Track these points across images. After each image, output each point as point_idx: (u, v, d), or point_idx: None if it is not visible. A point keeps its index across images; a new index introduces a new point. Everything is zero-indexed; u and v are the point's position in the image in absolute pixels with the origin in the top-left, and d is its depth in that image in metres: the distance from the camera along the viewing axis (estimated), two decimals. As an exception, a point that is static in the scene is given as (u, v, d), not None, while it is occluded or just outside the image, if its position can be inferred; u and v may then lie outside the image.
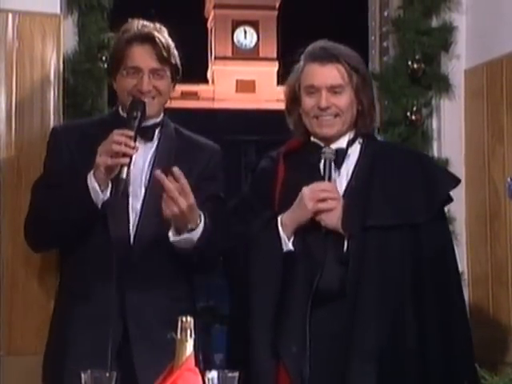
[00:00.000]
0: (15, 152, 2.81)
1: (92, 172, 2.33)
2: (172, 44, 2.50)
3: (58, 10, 2.90)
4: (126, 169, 2.31)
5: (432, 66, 3.35)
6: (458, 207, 3.33)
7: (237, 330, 2.41)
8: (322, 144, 2.42)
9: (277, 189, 2.43)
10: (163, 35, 2.48)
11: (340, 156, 2.40)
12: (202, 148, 2.58)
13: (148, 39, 2.45)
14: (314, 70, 2.41)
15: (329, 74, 2.39)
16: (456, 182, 2.53)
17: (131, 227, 2.43)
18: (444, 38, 3.35)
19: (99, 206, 2.35)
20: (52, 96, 2.87)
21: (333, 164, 2.38)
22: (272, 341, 2.28)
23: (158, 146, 2.50)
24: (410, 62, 3.32)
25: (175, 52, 2.50)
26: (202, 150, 2.57)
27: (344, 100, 2.39)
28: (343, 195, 2.37)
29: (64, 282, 2.53)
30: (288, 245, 2.34)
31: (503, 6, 3.19)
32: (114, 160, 2.30)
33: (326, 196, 2.32)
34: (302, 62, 2.45)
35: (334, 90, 2.39)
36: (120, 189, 2.31)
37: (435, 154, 3.38)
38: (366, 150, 2.44)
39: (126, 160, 2.30)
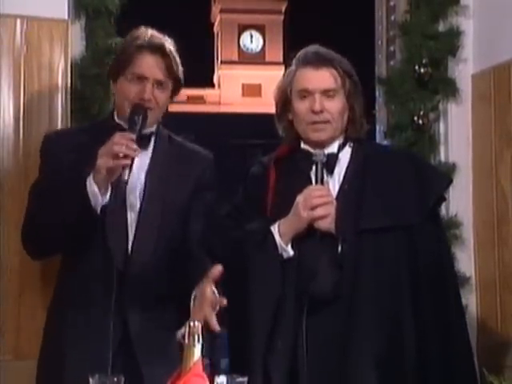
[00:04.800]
0: (23, 158, 2.82)
1: (91, 176, 2.31)
2: (178, 58, 2.50)
3: (65, 16, 2.91)
4: (127, 171, 2.30)
5: (439, 70, 3.34)
6: (465, 212, 3.33)
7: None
8: (312, 150, 2.42)
9: (269, 195, 2.43)
10: (173, 48, 2.49)
11: (331, 160, 2.40)
12: (196, 155, 2.59)
13: (159, 50, 2.44)
14: (307, 74, 2.40)
15: (323, 78, 2.39)
16: (448, 182, 2.53)
17: (130, 236, 2.42)
18: (451, 42, 3.34)
19: (98, 210, 2.33)
20: (60, 101, 2.87)
21: (324, 167, 2.38)
22: (263, 361, 2.28)
23: (152, 154, 2.50)
24: (416, 67, 3.31)
25: (180, 67, 2.51)
26: (196, 158, 2.58)
27: (336, 104, 2.39)
28: (336, 198, 2.37)
29: (60, 292, 2.50)
30: (288, 252, 2.34)
31: (510, 11, 3.19)
32: (116, 162, 2.28)
33: (320, 202, 2.32)
34: (293, 67, 2.44)
35: (327, 93, 2.39)
36: (122, 190, 2.31)
37: (442, 158, 3.37)
38: (357, 153, 2.44)
39: (128, 161, 2.29)
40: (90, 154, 2.33)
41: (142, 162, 2.46)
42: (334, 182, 2.40)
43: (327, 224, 2.32)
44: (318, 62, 2.40)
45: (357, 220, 2.31)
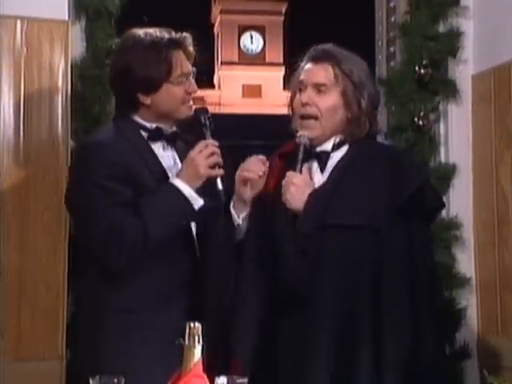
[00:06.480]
0: (23, 158, 2.82)
1: (185, 183, 2.32)
2: None
3: (65, 17, 2.92)
4: (220, 180, 2.35)
5: (439, 71, 3.35)
6: (465, 213, 3.33)
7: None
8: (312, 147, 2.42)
9: (271, 184, 2.43)
10: None
11: (323, 157, 2.40)
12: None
13: (182, 44, 2.44)
14: (306, 67, 2.44)
15: (316, 72, 2.41)
16: (421, 181, 2.38)
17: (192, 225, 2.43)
18: (451, 43, 3.34)
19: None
20: (60, 102, 2.88)
21: (308, 149, 2.37)
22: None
23: (176, 149, 2.49)
24: (417, 68, 3.31)
25: None
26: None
27: (327, 101, 2.38)
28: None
29: (109, 298, 2.32)
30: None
31: (510, 11, 3.19)
32: (217, 171, 2.34)
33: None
34: (302, 63, 2.47)
35: (318, 88, 2.39)
36: (222, 200, 2.35)
37: (442, 159, 3.38)
38: (351, 152, 2.42)
39: (222, 171, 2.35)
40: (140, 161, 2.34)
41: (173, 154, 2.46)
42: (323, 178, 2.40)
43: (298, 204, 2.31)
44: (318, 57, 2.42)
45: (323, 216, 2.30)
